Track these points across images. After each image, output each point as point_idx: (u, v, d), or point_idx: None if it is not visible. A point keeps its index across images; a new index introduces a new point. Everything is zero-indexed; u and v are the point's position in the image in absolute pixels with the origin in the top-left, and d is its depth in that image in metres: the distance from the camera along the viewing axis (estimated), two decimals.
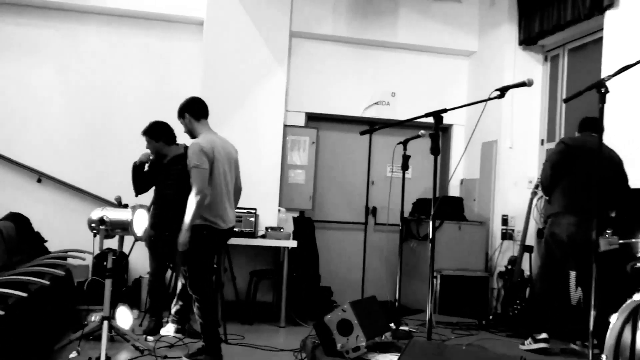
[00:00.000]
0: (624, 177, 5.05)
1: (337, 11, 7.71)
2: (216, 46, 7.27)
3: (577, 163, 4.93)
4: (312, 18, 7.64)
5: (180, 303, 5.75)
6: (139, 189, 5.84)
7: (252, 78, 7.33)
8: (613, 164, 5.03)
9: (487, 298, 6.94)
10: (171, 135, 5.83)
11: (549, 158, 5.12)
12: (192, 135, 4.96)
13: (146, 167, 5.88)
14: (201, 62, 7.29)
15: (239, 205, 5.36)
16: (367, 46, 7.94)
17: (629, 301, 3.05)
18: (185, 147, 5.61)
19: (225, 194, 4.86)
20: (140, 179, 5.82)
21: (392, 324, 5.04)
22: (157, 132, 5.79)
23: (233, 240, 6.40)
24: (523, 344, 4.99)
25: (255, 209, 6.91)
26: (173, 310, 5.76)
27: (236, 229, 6.65)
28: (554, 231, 4.96)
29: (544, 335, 4.88)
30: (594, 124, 5.08)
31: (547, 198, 5.15)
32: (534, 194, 6.15)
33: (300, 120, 7.75)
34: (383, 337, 4.57)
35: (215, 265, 5.40)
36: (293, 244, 6.63)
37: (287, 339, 5.91)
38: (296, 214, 7.47)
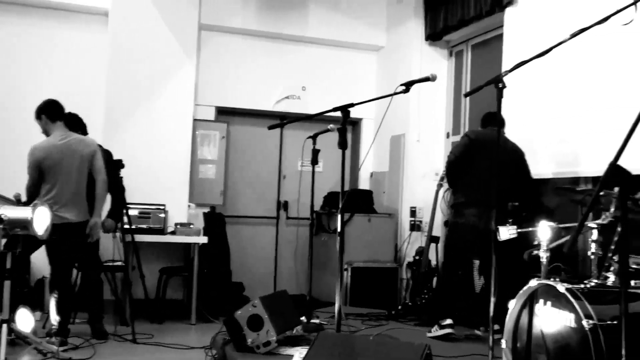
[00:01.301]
0: (525, 169, 5.25)
1: (247, 4, 7.65)
2: (122, 38, 7.07)
3: (480, 156, 5.09)
4: (221, 11, 7.55)
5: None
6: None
7: (160, 71, 7.18)
8: (515, 157, 5.24)
9: (396, 288, 7.08)
10: (84, 132, 5.68)
11: (453, 151, 5.26)
12: (48, 135, 5.29)
13: None
14: (107, 55, 7.07)
15: (146, 202, 5.28)
16: (277, 40, 7.92)
17: (525, 287, 3.18)
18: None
19: (68, 191, 5.22)
20: None
21: (303, 318, 5.06)
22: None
23: (141, 238, 6.27)
24: (430, 331, 5.12)
25: (164, 205, 6.77)
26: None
27: (144, 226, 6.51)
28: (457, 221, 5.13)
29: (448, 321, 5.03)
30: (495, 119, 5.26)
31: (451, 189, 5.31)
32: (439, 186, 6.31)
33: (211, 115, 7.66)
34: (294, 331, 4.59)
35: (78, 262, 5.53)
36: (203, 239, 6.55)
37: (198, 336, 5.84)
38: (207, 210, 7.38)
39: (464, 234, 5.10)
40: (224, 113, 7.82)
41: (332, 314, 5.50)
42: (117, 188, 5.83)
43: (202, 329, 6.19)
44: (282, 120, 5.19)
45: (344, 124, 3.84)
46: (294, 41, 7.96)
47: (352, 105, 3.87)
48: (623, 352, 1.98)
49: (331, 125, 5.02)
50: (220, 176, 7.56)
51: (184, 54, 7.27)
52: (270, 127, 4.81)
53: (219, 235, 7.08)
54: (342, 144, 3.81)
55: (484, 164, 5.03)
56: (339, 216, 3.86)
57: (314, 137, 5.09)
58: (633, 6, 2.62)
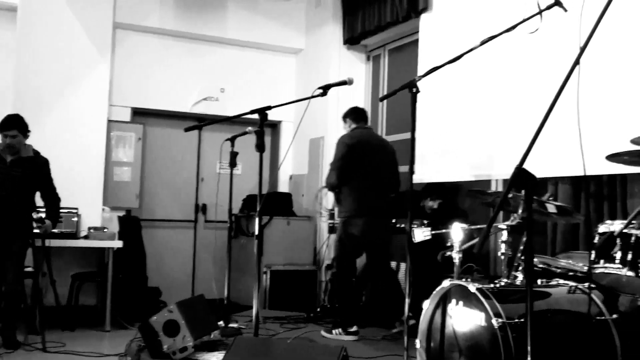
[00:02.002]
0: (396, 165, 5.59)
1: (164, 4, 7.51)
2: (31, 35, 6.80)
3: (362, 162, 5.29)
4: (137, 10, 7.39)
5: None
6: None
7: (73, 71, 6.95)
8: (388, 153, 5.54)
9: (315, 291, 7.11)
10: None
11: (334, 165, 5.35)
12: None
13: None
14: (14, 53, 6.79)
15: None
16: (195, 41, 7.82)
17: (438, 288, 3.26)
18: (35, 151, 5.49)
19: None
20: None
21: (221, 322, 5.02)
22: (25, 126, 5.39)
23: (52, 242, 6.03)
24: (330, 332, 5.19)
25: (76, 209, 6.56)
26: None
27: (56, 230, 6.27)
28: (350, 231, 5.29)
29: (355, 328, 5.16)
30: (364, 115, 5.61)
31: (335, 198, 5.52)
32: None
33: (126, 116, 7.47)
34: (211, 336, 4.54)
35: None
36: (118, 244, 6.37)
37: (113, 343, 5.67)
38: (122, 213, 7.20)
39: (357, 242, 5.33)
40: (140, 114, 7.65)
41: (250, 318, 5.47)
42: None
43: (116, 335, 6.02)
44: (200, 122, 5.13)
45: (262, 127, 3.85)
46: (212, 42, 7.88)
47: (269, 107, 3.87)
48: (529, 348, 2.05)
49: (249, 128, 4.99)
50: (136, 179, 7.39)
51: (98, 53, 7.06)
52: (187, 129, 4.73)
53: (134, 239, 6.91)
54: (260, 147, 3.82)
55: (367, 170, 5.28)
56: (257, 219, 3.86)
57: (232, 140, 5.06)
58: (538, 16, 2.72)
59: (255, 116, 3.88)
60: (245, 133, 5.06)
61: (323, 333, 5.26)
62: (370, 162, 5.33)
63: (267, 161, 8.35)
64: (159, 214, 7.79)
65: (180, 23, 7.60)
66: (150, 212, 7.71)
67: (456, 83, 5.50)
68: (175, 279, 7.71)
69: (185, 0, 7.60)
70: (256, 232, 3.87)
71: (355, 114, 5.58)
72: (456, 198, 5.73)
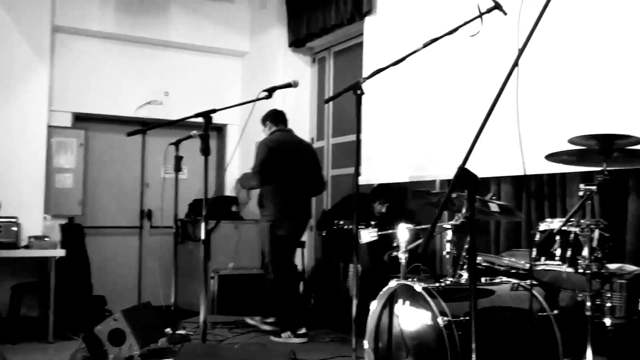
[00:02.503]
0: (318, 166, 5.74)
1: (105, 7, 7.36)
2: None
3: (284, 165, 5.38)
4: (77, 13, 7.22)
5: None
6: None
7: (8, 75, 6.73)
8: (310, 155, 5.68)
9: (264, 295, 7.06)
10: None
11: (256, 168, 5.41)
12: None
13: None
14: None
15: None
16: (138, 44, 7.69)
17: (385, 288, 3.28)
18: None
19: None
20: None
21: (169, 329, 4.95)
22: None
23: None
24: (279, 336, 5.23)
25: (16, 218, 6.36)
26: None
27: None
28: (277, 233, 5.39)
29: (303, 330, 5.21)
30: (283, 117, 5.72)
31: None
32: None
33: (67, 121, 7.30)
34: (159, 343, 4.48)
35: None
36: (61, 253, 6.20)
37: (57, 355, 5.52)
38: (64, 221, 7.01)
39: (288, 243, 5.52)
40: (82, 119, 7.48)
41: (198, 324, 5.41)
42: None
43: (60, 347, 5.86)
44: (144, 126, 5.05)
45: (207, 130, 3.82)
46: (155, 45, 7.76)
47: (214, 111, 3.85)
48: (473, 346, 2.09)
49: (194, 132, 4.94)
50: (78, 185, 7.22)
51: (36, 57, 6.88)
52: (130, 134, 4.66)
53: (77, 248, 6.75)
54: (205, 150, 3.79)
55: (290, 172, 5.39)
56: (203, 224, 3.82)
57: (176, 144, 5.01)
58: (479, 19, 2.77)
59: (201, 120, 3.85)
60: (189, 137, 5.00)
61: (272, 337, 5.25)
62: (292, 164, 5.43)
63: (213, 165, 8.27)
64: (103, 221, 7.63)
65: (122, 26, 7.46)
66: (94, 219, 7.54)
67: (401, 85, 5.56)
68: (121, 286, 7.55)
69: (125, 3, 7.46)
70: (203, 237, 3.83)
71: (274, 117, 5.67)
72: (404, 199, 5.79)
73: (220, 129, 8.29)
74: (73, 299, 6.47)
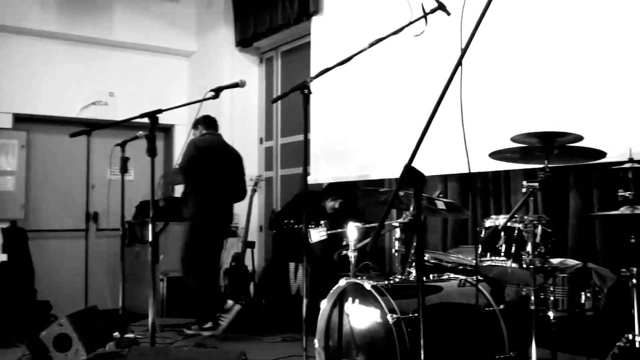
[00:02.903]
0: (243, 173, 5.91)
1: (46, 5, 7.18)
2: None
3: (211, 166, 5.50)
4: (16, 11, 7.02)
5: None
6: None
7: None
8: (237, 162, 5.85)
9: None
10: None
11: (183, 165, 5.51)
12: None
13: None
14: None
15: None
16: (81, 43, 7.53)
17: (335, 287, 3.30)
18: None
19: None
20: None
21: (117, 333, 4.87)
22: None
23: None
24: (190, 329, 5.49)
25: None
26: None
27: None
28: (197, 232, 5.53)
29: (209, 324, 5.39)
30: (215, 123, 5.86)
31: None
32: (254, 191, 6.36)
33: (7, 122, 7.09)
34: (106, 348, 4.41)
35: None
36: (3, 257, 6.05)
37: None
38: (6, 225, 6.82)
39: (206, 242, 5.59)
40: (23, 120, 7.28)
41: (147, 327, 5.34)
42: None
43: (4, 354, 5.68)
44: (88, 127, 4.94)
45: (153, 131, 3.76)
46: (99, 45, 7.61)
47: (160, 111, 3.79)
48: (422, 342, 2.11)
49: (140, 132, 4.87)
50: (20, 188, 7.02)
51: None
52: (73, 135, 4.55)
53: (20, 252, 6.57)
54: (151, 151, 3.74)
55: (219, 173, 5.52)
56: (151, 225, 3.76)
57: (122, 145, 4.93)
58: (424, 19, 2.80)
59: (147, 120, 3.79)
60: (136, 138, 4.93)
61: (185, 330, 5.52)
62: (219, 167, 5.55)
63: (161, 166, 8.17)
64: (47, 224, 7.45)
65: (64, 25, 7.29)
66: (38, 222, 7.36)
67: (350, 84, 5.59)
68: (67, 291, 7.38)
69: (67, 1, 7.29)
70: (150, 239, 3.77)
71: (206, 121, 5.79)
72: (354, 197, 5.83)
73: (168, 130, 8.19)
74: (16, 304, 6.28)
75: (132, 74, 7.82)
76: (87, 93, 7.51)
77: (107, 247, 7.63)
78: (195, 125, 5.73)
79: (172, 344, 5.05)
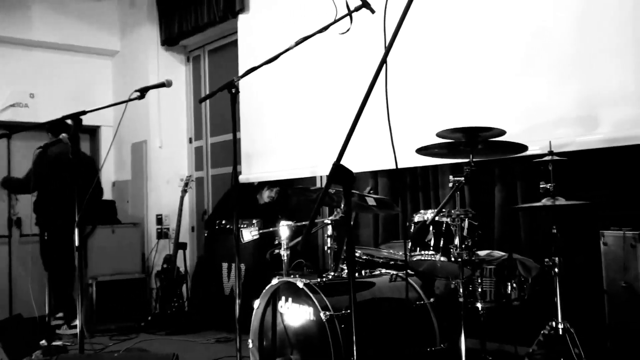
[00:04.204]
0: (96, 174, 6.07)
1: None
2: None
3: (60, 172, 5.67)
4: None
5: None
6: None
7: None
8: (87, 164, 6.04)
9: (146, 299, 6.89)
10: None
11: (31, 173, 5.73)
12: None
13: None
14: None
15: None
16: None
17: (268, 286, 3.29)
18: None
19: None
20: None
21: (43, 341, 4.72)
22: None
23: None
24: (60, 328, 5.70)
25: None
26: None
27: None
28: (45, 238, 6.01)
29: (76, 322, 5.29)
30: (68, 128, 5.64)
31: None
32: (184, 191, 6.29)
33: None
34: (32, 357, 4.27)
35: None
36: None
37: None
38: None
39: (55, 247, 5.93)
40: None
41: (76, 334, 5.21)
42: None
43: None
44: (8, 130, 4.76)
45: (76, 133, 3.66)
46: (17, 44, 7.33)
47: (84, 112, 3.68)
48: (354, 338, 2.13)
49: (63, 135, 4.75)
50: None
51: None
52: None
53: None
54: (75, 154, 3.63)
55: (66, 179, 5.58)
56: (76, 230, 3.66)
57: (44, 148, 4.78)
58: (348, 17, 2.82)
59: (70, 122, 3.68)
60: (59, 140, 4.79)
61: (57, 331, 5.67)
62: (68, 172, 5.56)
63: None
64: None
65: None
66: None
67: (279, 82, 5.58)
68: None
69: None
70: (76, 244, 3.67)
71: (57, 127, 5.62)
72: (287, 195, 5.82)
73: (94, 131, 7.98)
74: None
75: (53, 75, 7.57)
76: (6, 95, 7.23)
77: (32, 253, 7.37)
78: (47, 130, 5.82)
79: (103, 349, 4.93)
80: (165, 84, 3.67)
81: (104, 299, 6.57)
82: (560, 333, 2.93)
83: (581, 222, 3.71)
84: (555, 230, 3.01)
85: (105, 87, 7.90)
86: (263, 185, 5.80)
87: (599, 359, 3.08)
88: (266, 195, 5.73)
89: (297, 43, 2.93)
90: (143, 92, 3.67)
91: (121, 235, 6.93)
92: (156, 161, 7.30)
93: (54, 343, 4.81)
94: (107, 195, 7.80)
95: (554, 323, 2.97)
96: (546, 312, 3.06)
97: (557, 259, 2.99)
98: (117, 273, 6.76)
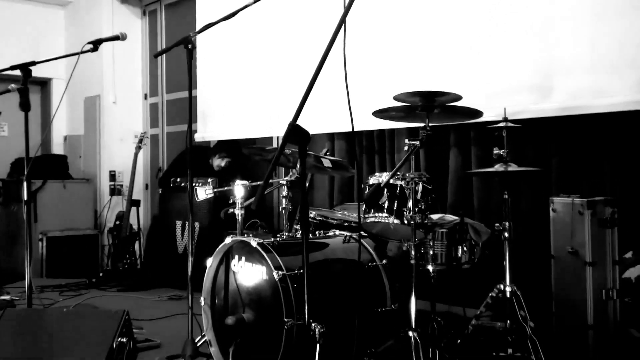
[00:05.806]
0: None
1: None
2: None
3: None
4: None
5: None
6: None
7: None
8: None
9: (97, 256, 6.83)
10: None
11: None
12: None
13: None
14: None
15: None
16: None
17: (221, 245, 3.27)
18: None
19: None
20: None
21: None
22: None
23: None
24: None
25: None
26: None
27: None
28: None
29: None
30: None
31: None
32: (138, 148, 6.19)
33: None
34: None
35: None
36: None
37: None
38: None
39: None
40: None
41: (24, 289, 5.13)
42: None
43: None
44: None
45: (25, 84, 3.55)
46: None
47: (33, 63, 3.57)
48: (305, 297, 2.15)
49: (12, 85, 4.57)
50: None
51: None
52: None
53: None
54: (24, 105, 3.54)
55: None
56: (25, 183, 3.58)
57: None
58: None
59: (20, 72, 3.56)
60: (7, 91, 4.62)
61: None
62: None
63: (37, 121, 7.76)
64: None
65: None
66: None
67: (237, 41, 5.49)
68: None
69: None
70: (25, 198, 3.59)
71: None
72: (243, 155, 5.79)
73: (45, 83, 7.76)
74: None
75: (2, 24, 7.29)
76: None
77: None
78: None
79: (52, 304, 4.88)
80: (120, 37, 3.57)
81: (54, 254, 6.49)
82: (508, 296, 3.01)
83: (532, 188, 3.79)
84: (506, 196, 3.07)
85: (57, 39, 7.65)
86: (215, 151, 5.75)
87: (543, 321, 3.17)
88: (216, 165, 5.69)
89: (256, 0, 2.87)
90: (96, 44, 3.57)
91: (73, 190, 6.83)
92: (110, 116, 7.16)
93: (1, 297, 4.75)
94: (59, 149, 7.64)
95: (501, 286, 3.04)
96: (495, 275, 3.13)
97: (507, 224, 3.04)
98: (68, 229, 6.67)
